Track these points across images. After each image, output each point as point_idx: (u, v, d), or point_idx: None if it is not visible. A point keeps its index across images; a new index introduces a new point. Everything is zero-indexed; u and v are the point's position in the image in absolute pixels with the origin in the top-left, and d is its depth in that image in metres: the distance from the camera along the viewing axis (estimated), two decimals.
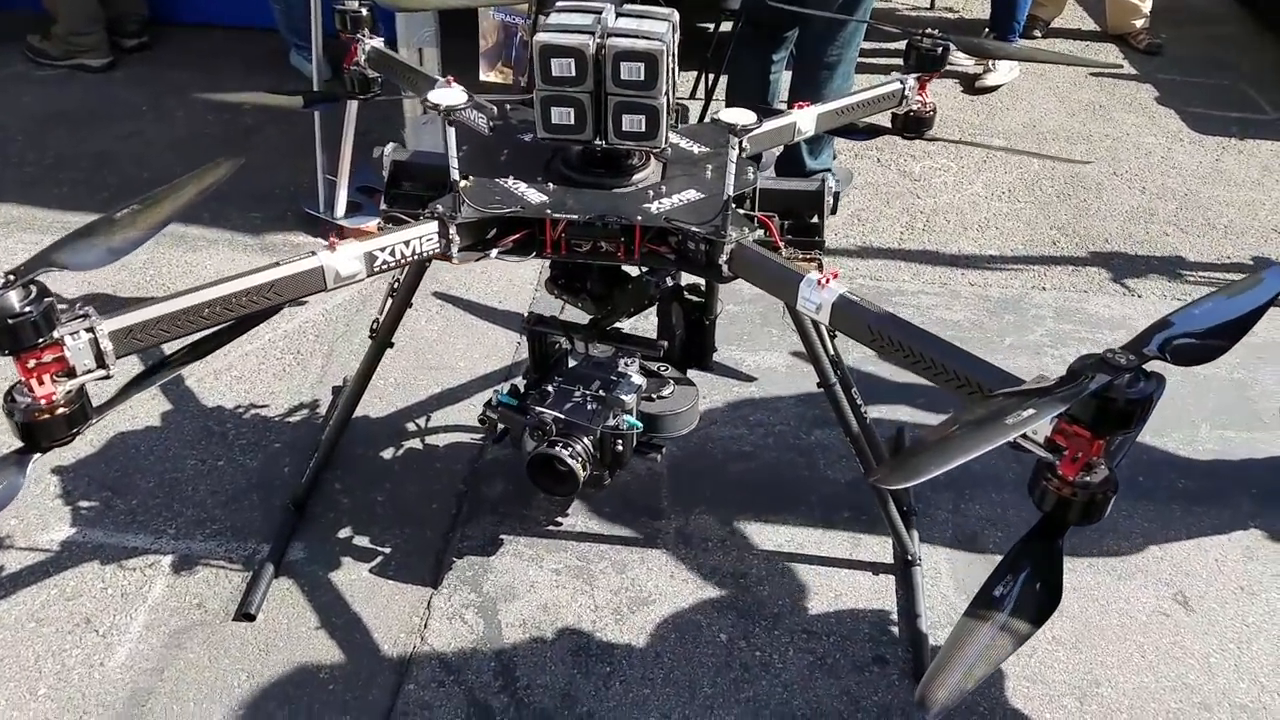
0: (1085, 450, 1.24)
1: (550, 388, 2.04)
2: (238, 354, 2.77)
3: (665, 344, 2.05)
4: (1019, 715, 1.91)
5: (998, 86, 4.27)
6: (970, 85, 4.28)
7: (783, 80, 3.36)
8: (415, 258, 1.60)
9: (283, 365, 2.73)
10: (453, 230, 1.61)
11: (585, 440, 1.94)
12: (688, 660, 1.98)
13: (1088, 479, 1.25)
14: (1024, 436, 1.29)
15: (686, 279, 2.32)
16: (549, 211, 1.66)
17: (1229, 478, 2.46)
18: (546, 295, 2.08)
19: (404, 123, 3.24)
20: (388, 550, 2.19)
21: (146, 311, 1.39)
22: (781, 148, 3.39)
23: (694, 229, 1.62)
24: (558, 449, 1.91)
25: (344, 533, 2.23)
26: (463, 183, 1.71)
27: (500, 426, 2.03)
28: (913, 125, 2.31)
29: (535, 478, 1.97)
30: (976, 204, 3.56)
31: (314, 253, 1.50)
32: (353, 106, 2.98)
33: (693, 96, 4.12)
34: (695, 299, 2.17)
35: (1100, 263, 3.28)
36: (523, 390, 2.07)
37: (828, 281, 1.48)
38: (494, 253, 1.66)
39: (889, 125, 2.35)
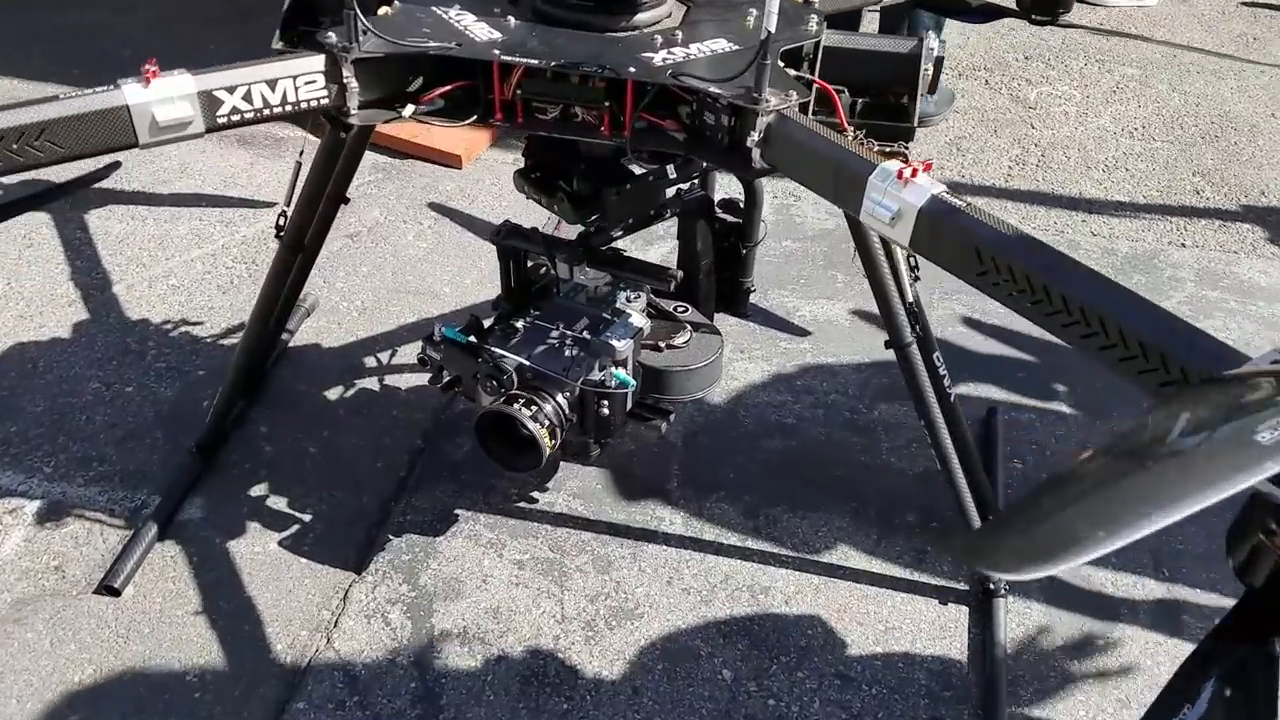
0: None
1: (521, 324, 1.51)
2: (181, 259, 2.30)
3: (678, 274, 1.50)
4: None
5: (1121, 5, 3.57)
6: None
7: None
8: (288, 109, 1.07)
9: (232, 276, 2.25)
10: (347, 71, 1.07)
11: (558, 398, 1.41)
12: (675, 703, 1.46)
13: None
14: None
15: (720, 190, 1.77)
16: (498, 54, 1.11)
17: None
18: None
19: None
20: (308, 518, 1.70)
21: None
22: None
23: (713, 89, 1.06)
24: (517, 407, 1.38)
25: (258, 490, 1.74)
26: (382, 10, 1.17)
27: (447, 372, 1.52)
28: (1044, 4, 1.70)
29: (486, 444, 1.45)
30: (1103, 140, 2.90)
31: (117, 85, 0.98)
32: None
33: None
34: (729, 218, 1.62)
35: (1254, 219, 2.62)
36: (486, 326, 1.55)
37: (914, 174, 0.92)
38: (409, 110, 1.12)
39: (1013, 6, 1.74)
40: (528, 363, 1.42)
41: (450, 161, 2.63)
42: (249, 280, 2.25)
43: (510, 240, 1.55)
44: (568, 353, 1.44)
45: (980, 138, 2.89)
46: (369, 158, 2.73)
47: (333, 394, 1.95)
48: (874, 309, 2.19)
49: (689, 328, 1.57)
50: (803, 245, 2.39)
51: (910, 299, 1.36)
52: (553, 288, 1.64)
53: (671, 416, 1.58)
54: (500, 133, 2.78)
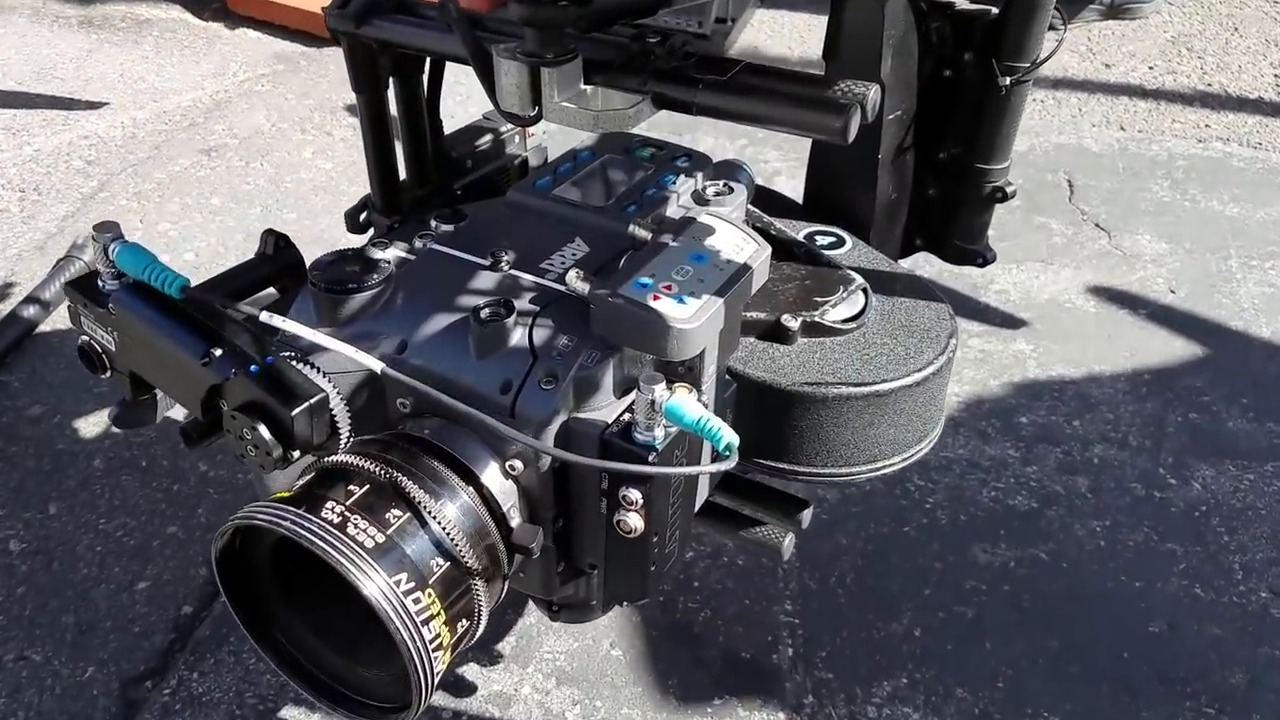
0: None
1: (391, 253, 0.53)
2: None
3: (872, 90, 0.50)
4: None
5: None
6: None
7: None
8: None
9: (2, 205, 1.30)
10: None
11: (486, 483, 0.42)
12: None
13: None
14: None
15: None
16: None
17: None
18: None
19: None
20: None
21: None
22: None
23: None
24: (328, 520, 0.39)
25: None
26: None
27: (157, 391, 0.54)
28: None
29: (258, 625, 0.46)
30: None
31: None
32: None
33: None
34: (969, 4, 0.63)
35: None
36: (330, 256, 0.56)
37: None
38: None
39: None
40: (385, 368, 0.43)
41: None
42: (18, 217, 1.29)
43: (377, 26, 0.56)
44: (517, 335, 0.45)
45: (1217, 36, 1.89)
46: (269, 45, 1.76)
47: (91, 428, 0.97)
48: (1127, 284, 1.21)
49: (857, 285, 0.58)
50: None
51: None
52: (504, 172, 0.67)
53: (808, 514, 0.60)
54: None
